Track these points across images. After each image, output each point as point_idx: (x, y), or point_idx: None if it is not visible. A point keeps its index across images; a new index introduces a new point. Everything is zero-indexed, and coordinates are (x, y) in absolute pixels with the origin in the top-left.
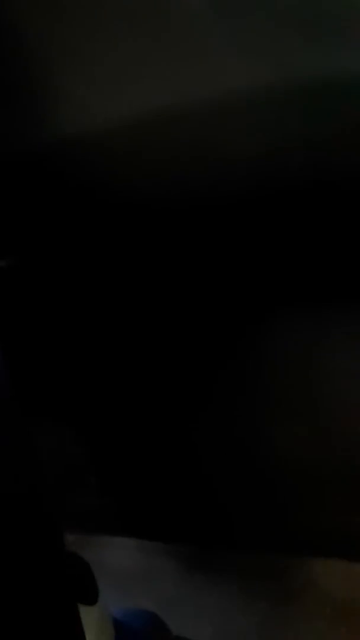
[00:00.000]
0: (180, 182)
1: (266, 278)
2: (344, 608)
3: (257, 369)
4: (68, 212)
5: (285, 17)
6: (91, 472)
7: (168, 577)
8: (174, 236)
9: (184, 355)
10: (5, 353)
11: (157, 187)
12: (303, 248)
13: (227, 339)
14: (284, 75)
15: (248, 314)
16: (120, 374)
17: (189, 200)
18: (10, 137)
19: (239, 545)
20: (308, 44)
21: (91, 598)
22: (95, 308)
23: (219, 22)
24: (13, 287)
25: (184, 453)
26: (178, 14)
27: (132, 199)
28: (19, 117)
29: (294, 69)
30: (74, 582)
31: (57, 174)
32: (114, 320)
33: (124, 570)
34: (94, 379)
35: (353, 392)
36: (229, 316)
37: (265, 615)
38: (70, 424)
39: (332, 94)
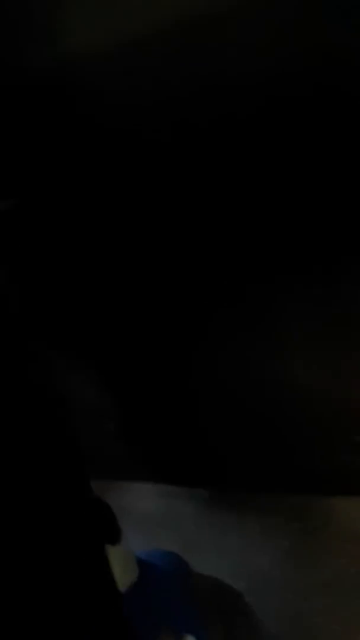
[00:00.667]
0: (179, 102)
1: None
2: None
3: (255, 308)
4: (67, 143)
5: None
6: (109, 418)
7: (188, 520)
8: (173, 165)
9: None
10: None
11: (156, 110)
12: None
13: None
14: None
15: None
16: (128, 310)
17: (188, 123)
18: (9, 59)
19: (257, 486)
20: None
21: (114, 537)
22: (99, 244)
23: None
24: (14, 229)
25: (197, 395)
26: None
27: (130, 122)
28: (17, 37)
29: None
30: (98, 522)
31: (55, 98)
32: (118, 256)
33: (144, 514)
34: (107, 320)
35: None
36: (227, 250)
37: (286, 553)
38: (88, 368)
39: None
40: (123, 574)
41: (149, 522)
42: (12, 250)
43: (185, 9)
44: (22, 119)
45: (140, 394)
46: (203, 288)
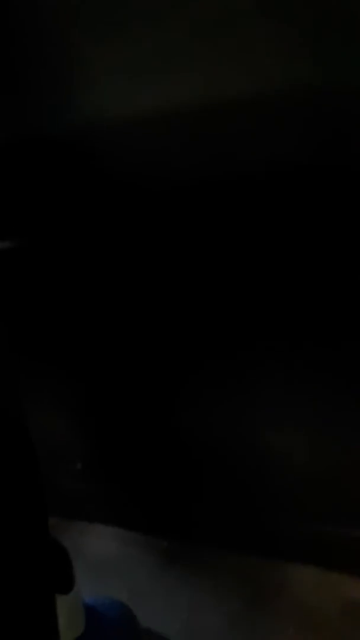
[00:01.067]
0: (183, 171)
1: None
2: (314, 616)
3: (245, 373)
4: (73, 194)
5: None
6: (78, 457)
7: (143, 569)
8: (171, 221)
9: (174, 339)
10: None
11: (159, 172)
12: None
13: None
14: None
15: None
16: (113, 359)
17: (188, 187)
18: (26, 119)
19: (214, 542)
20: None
21: (67, 586)
22: (94, 289)
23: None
24: (16, 266)
25: (168, 447)
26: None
27: (137, 182)
28: (39, 100)
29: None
30: (53, 569)
31: (67, 157)
32: (111, 303)
33: (99, 558)
34: (88, 362)
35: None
36: (227, 311)
37: (234, 615)
38: (63, 406)
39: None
40: (67, 629)
41: (104, 567)
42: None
43: (197, 94)
44: (33, 170)
45: (113, 438)
46: (186, 342)
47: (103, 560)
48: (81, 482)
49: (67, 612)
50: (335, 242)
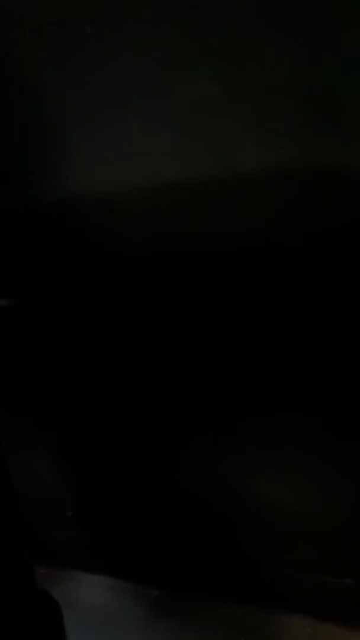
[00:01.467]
0: (173, 243)
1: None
2: None
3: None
4: (68, 261)
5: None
6: (69, 505)
7: (135, 621)
8: (165, 291)
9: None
10: None
11: (149, 247)
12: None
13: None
14: (287, 156)
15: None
16: (104, 409)
17: (180, 259)
18: (24, 189)
19: (206, 591)
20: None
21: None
22: (89, 347)
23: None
24: (12, 324)
25: (158, 495)
26: (189, 93)
27: (127, 255)
28: (32, 172)
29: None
30: (42, 622)
31: (62, 227)
32: (101, 358)
33: (91, 609)
34: (78, 411)
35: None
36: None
37: None
38: (53, 454)
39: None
40: None
41: (95, 617)
42: None
43: (188, 175)
44: (30, 237)
45: (104, 486)
46: (176, 394)
47: (94, 611)
48: (71, 531)
49: None
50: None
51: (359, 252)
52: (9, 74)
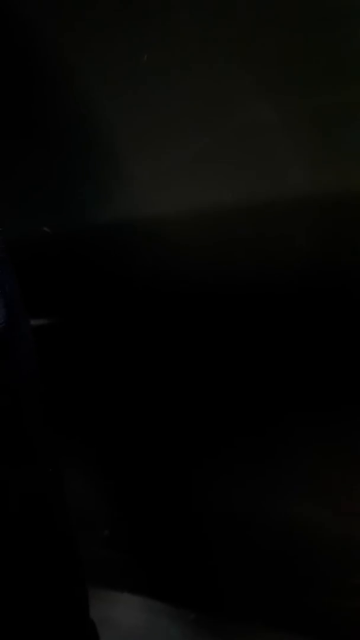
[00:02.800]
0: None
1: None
2: None
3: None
4: (108, 284)
5: None
6: (105, 525)
7: None
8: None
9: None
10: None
11: (197, 274)
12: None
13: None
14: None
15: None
16: (139, 429)
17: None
18: (69, 213)
19: (243, 616)
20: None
21: None
22: (128, 369)
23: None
24: (53, 341)
25: (196, 516)
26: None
27: (174, 283)
28: (82, 195)
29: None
30: None
31: (104, 252)
32: (145, 384)
33: (127, 630)
34: (113, 430)
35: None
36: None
37: None
38: (89, 473)
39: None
40: None
41: (132, 639)
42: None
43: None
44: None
45: (141, 505)
46: (212, 416)
47: (131, 631)
48: (108, 550)
49: None
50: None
51: None
52: (59, 98)
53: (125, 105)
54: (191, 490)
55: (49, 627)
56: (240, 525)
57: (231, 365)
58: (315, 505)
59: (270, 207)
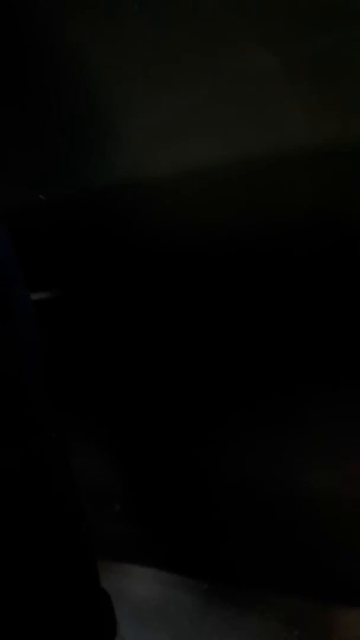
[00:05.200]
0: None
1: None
2: None
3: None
4: (109, 252)
5: None
6: (117, 498)
7: (185, 613)
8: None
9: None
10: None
11: (199, 236)
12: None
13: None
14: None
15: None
16: (148, 401)
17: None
18: (64, 178)
19: (257, 583)
20: None
21: (110, 632)
22: (134, 341)
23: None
24: (56, 318)
25: (208, 487)
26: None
27: (176, 245)
28: (77, 159)
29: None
30: (96, 614)
31: (103, 215)
32: (143, 348)
33: (141, 601)
34: (122, 403)
35: None
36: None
37: None
38: (99, 447)
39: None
40: None
41: (144, 610)
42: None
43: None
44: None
45: (151, 478)
46: (224, 385)
47: (144, 604)
48: (120, 524)
49: None
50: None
51: None
52: (55, 62)
53: (117, 62)
54: (201, 460)
55: (61, 595)
56: (250, 494)
57: (237, 329)
58: (325, 471)
59: (270, 159)
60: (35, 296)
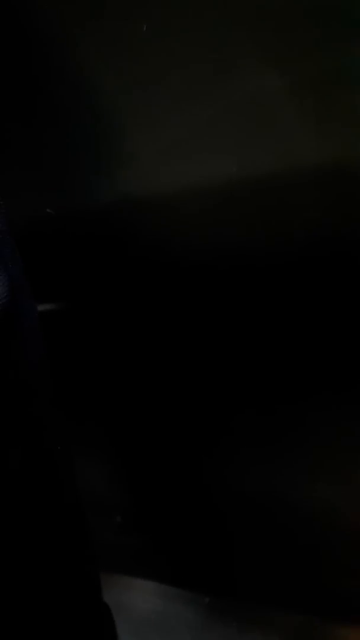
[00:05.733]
0: (230, 246)
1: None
2: None
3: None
4: (115, 268)
5: None
6: (117, 510)
7: (185, 627)
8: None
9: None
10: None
11: (206, 250)
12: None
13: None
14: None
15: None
16: (150, 412)
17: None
18: (72, 192)
19: (259, 599)
20: None
21: None
22: (137, 352)
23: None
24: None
25: (209, 499)
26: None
27: (181, 258)
28: (83, 172)
29: None
30: (96, 627)
31: (110, 230)
32: (154, 367)
33: (141, 615)
34: (124, 414)
35: None
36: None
37: None
38: (100, 458)
39: None
40: None
41: (145, 625)
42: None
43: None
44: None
45: (152, 490)
46: (224, 397)
47: (145, 617)
48: (120, 536)
49: None
50: None
51: None
52: (59, 77)
53: (121, 79)
54: (203, 472)
55: (62, 604)
56: (253, 508)
57: (240, 342)
58: (329, 485)
59: (274, 178)
60: (39, 308)
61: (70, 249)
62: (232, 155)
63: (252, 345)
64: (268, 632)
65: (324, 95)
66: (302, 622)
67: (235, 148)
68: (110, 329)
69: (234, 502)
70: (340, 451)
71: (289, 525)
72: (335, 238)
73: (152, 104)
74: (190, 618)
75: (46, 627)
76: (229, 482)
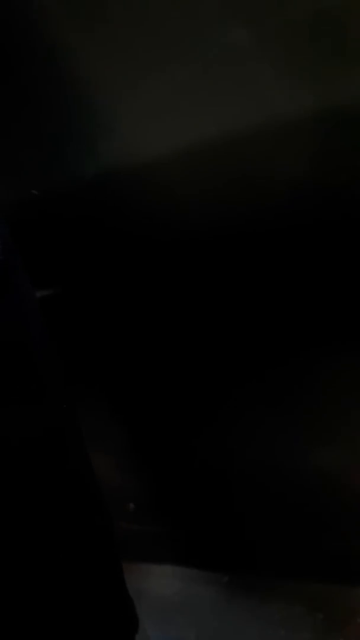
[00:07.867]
0: (216, 214)
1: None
2: None
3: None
4: (107, 243)
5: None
6: (130, 497)
7: (206, 606)
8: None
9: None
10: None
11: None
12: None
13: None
14: (325, 102)
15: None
16: (160, 397)
17: (222, 230)
18: (55, 170)
19: (277, 571)
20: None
21: (132, 630)
22: (138, 334)
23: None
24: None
25: (220, 479)
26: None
27: (168, 228)
28: (64, 149)
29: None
30: (119, 613)
31: (98, 206)
32: (157, 348)
33: (162, 598)
34: (135, 401)
35: None
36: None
37: None
38: (112, 446)
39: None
40: None
41: (166, 607)
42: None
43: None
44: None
45: (164, 474)
46: (224, 380)
47: (165, 600)
48: (135, 523)
49: None
50: None
51: None
52: (38, 51)
53: (98, 46)
54: (214, 453)
55: (84, 586)
56: (263, 483)
57: (238, 312)
58: (339, 454)
59: (258, 135)
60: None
61: (59, 229)
62: (209, 115)
63: (250, 316)
64: (288, 602)
65: (295, 44)
66: (321, 588)
67: (212, 107)
68: (106, 306)
69: (243, 479)
70: (346, 424)
71: (301, 496)
72: (321, 191)
73: (130, 69)
74: (212, 597)
75: (67, 616)
76: (238, 460)
